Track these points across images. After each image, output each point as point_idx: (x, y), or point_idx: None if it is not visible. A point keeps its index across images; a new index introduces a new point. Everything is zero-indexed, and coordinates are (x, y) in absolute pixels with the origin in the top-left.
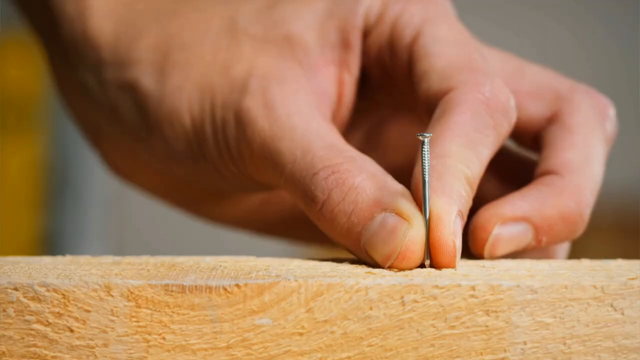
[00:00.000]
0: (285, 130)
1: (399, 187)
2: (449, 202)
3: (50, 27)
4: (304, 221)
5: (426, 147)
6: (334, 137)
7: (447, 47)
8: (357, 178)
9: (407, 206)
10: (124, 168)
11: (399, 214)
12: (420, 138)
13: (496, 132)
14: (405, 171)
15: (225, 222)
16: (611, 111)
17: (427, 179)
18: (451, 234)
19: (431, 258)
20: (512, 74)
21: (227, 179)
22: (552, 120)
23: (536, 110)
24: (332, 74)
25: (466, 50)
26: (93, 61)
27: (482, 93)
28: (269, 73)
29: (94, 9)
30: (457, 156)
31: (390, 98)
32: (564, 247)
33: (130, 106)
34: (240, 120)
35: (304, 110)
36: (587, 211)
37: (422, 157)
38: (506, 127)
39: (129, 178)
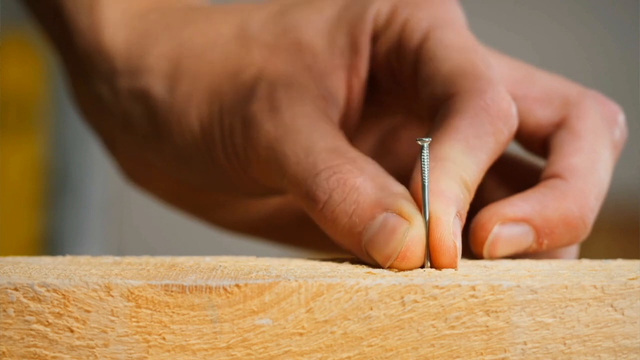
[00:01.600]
0: (289, 132)
1: (400, 188)
2: (447, 203)
3: (64, 38)
4: (318, 228)
5: (425, 152)
6: (338, 140)
7: (453, 52)
8: (358, 179)
9: (408, 206)
10: (139, 176)
11: (399, 214)
12: (420, 143)
13: (495, 138)
14: None
15: (241, 230)
16: (620, 118)
17: (426, 183)
18: (451, 234)
19: (431, 260)
20: (521, 80)
21: (237, 184)
22: (560, 125)
23: (544, 116)
24: (341, 79)
25: (471, 57)
26: (106, 71)
27: (484, 100)
28: (277, 78)
29: (107, 19)
30: (455, 160)
31: (399, 102)
32: (572, 251)
33: (142, 114)
34: (247, 124)
35: (309, 114)
36: (590, 216)
37: (421, 161)
38: (506, 135)
39: (144, 186)
